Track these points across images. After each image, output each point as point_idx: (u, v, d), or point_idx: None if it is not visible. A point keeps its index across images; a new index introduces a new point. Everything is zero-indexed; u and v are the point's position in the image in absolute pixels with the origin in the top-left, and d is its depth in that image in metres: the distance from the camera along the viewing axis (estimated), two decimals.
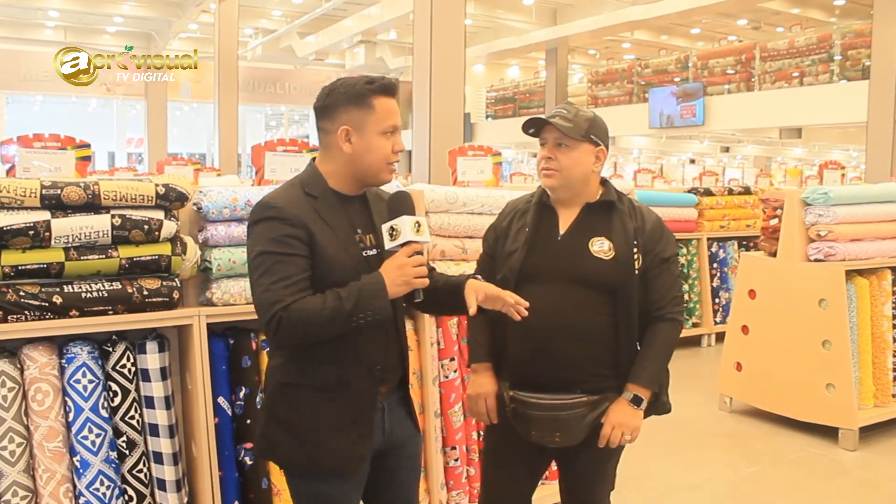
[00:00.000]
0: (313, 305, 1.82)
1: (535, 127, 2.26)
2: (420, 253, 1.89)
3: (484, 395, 2.31)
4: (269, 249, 1.85)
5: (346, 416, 1.95)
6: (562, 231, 2.26)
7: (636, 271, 2.20)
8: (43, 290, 2.41)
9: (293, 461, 1.98)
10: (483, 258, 2.40)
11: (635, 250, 2.21)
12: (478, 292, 1.99)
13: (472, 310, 1.96)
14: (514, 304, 1.99)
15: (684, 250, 7.11)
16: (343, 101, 1.93)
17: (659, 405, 2.28)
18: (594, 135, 2.23)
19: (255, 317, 2.69)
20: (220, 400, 2.72)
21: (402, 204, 1.93)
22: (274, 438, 1.97)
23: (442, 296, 2.05)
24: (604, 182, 2.33)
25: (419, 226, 1.90)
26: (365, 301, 1.82)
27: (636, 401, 2.20)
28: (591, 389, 2.20)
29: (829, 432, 4.54)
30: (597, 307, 2.19)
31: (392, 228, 1.89)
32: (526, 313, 2.00)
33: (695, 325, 7.17)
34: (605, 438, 2.19)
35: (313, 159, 2.05)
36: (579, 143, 2.21)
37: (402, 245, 1.88)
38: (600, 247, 2.21)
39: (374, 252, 2.00)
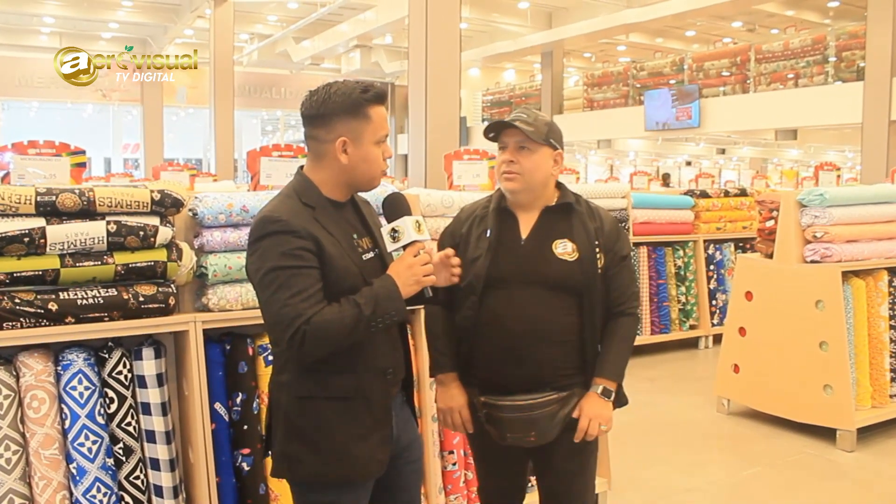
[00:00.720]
0: (333, 316, 1.82)
1: (496, 130, 2.28)
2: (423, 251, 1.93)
3: (457, 407, 2.32)
4: (281, 264, 1.83)
5: (366, 423, 1.95)
6: (524, 235, 2.28)
7: (599, 271, 2.25)
8: (38, 297, 2.41)
9: (317, 476, 1.95)
10: None
11: (597, 250, 2.26)
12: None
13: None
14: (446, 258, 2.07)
15: (681, 252, 7.12)
16: (340, 110, 1.92)
17: (619, 397, 2.32)
18: (553, 139, 2.27)
19: (251, 322, 2.73)
20: (217, 406, 2.71)
21: (399, 205, 1.97)
22: (296, 456, 1.95)
23: None
24: (559, 185, 2.36)
25: (419, 224, 1.93)
26: (383, 305, 1.85)
27: (605, 393, 2.25)
28: (560, 387, 2.23)
29: (826, 433, 4.54)
30: (563, 308, 2.23)
31: (394, 230, 1.92)
32: (458, 270, 2.08)
33: (692, 328, 7.17)
34: (582, 431, 2.22)
35: (301, 167, 2.04)
36: (540, 147, 2.24)
37: (406, 245, 1.91)
38: (564, 249, 2.24)
39: (371, 255, 2.02)
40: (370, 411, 1.96)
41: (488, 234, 2.27)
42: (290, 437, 1.95)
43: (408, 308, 1.96)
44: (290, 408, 1.95)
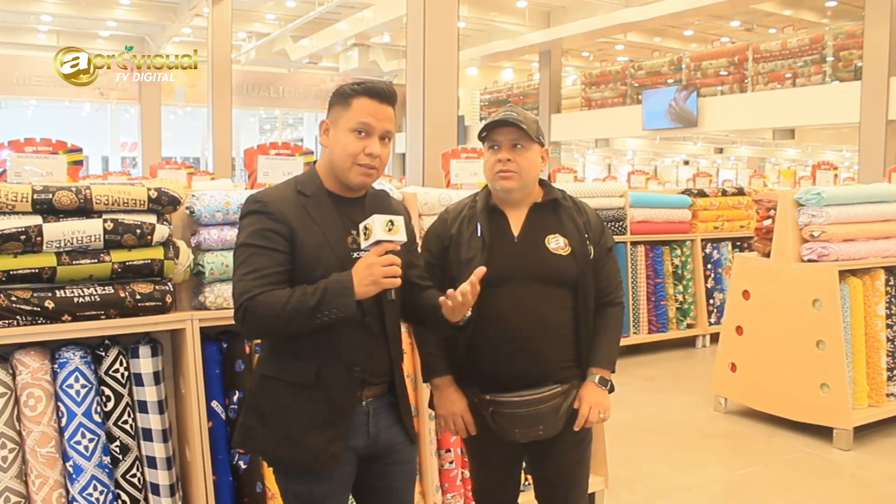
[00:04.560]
0: (278, 299, 1.85)
1: (494, 128, 2.27)
2: (395, 252, 1.89)
3: (459, 412, 2.31)
4: (248, 241, 1.90)
5: (322, 415, 1.95)
6: (515, 232, 2.30)
7: (590, 263, 2.29)
8: (35, 294, 2.40)
9: (267, 452, 2.04)
10: (426, 266, 2.30)
11: (588, 243, 2.29)
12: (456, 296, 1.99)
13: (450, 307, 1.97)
14: (472, 282, 1.97)
15: (678, 251, 7.12)
16: (335, 99, 2.02)
17: (610, 385, 2.36)
18: (541, 136, 2.30)
19: None
20: (214, 404, 2.70)
21: (376, 203, 2.01)
22: (251, 428, 2.01)
23: (427, 315, 2.10)
24: (542, 182, 2.38)
25: (392, 224, 1.88)
26: (330, 298, 1.83)
27: (602, 382, 2.30)
28: (560, 379, 2.26)
29: (823, 432, 4.54)
30: (559, 302, 2.26)
31: (365, 228, 1.89)
32: (480, 274, 1.98)
33: (689, 326, 7.18)
34: (583, 418, 2.26)
35: (314, 162, 2.11)
36: (532, 144, 2.27)
37: (374, 244, 1.88)
38: (556, 244, 2.27)
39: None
40: (329, 404, 1.96)
41: (480, 234, 2.28)
42: (250, 411, 2.02)
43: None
44: (254, 384, 2.04)
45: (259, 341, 2.76)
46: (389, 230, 1.87)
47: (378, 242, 1.87)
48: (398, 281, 1.89)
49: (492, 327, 2.22)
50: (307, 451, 1.95)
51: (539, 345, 2.23)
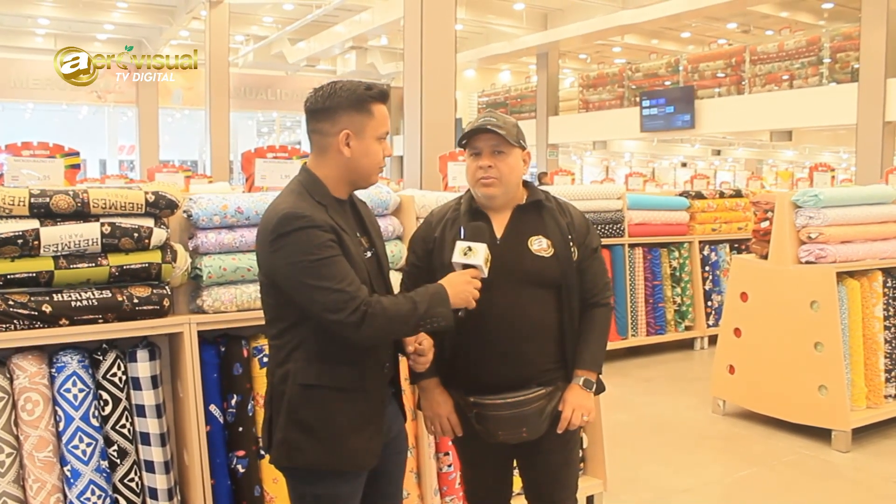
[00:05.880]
0: (391, 303, 1.90)
1: (473, 136, 2.28)
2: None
3: (445, 414, 2.33)
4: (320, 255, 1.87)
5: (363, 415, 2.00)
6: (498, 235, 2.30)
7: (574, 264, 2.29)
8: (32, 299, 2.40)
9: (317, 463, 1.99)
10: (412, 269, 2.38)
11: (571, 244, 2.30)
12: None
13: (410, 347, 2.11)
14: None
15: (676, 253, 7.13)
16: (345, 104, 1.98)
17: (598, 386, 2.36)
18: (521, 139, 2.31)
19: (246, 323, 2.73)
20: (212, 408, 2.70)
21: (483, 234, 2.11)
22: (297, 444, 1.98)
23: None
24: (526, 183, 2.39)
25: (489, 259, 2.06)
26: (434, 307, 1.93)
27: (587, 384, 2.30)
28: (544, 382, 2.27)
29: (822, 434, 4.54)
30: (543, 303, 2.27)
31: (469, 248, 2.04)
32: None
33: (687, 328, 7.18)
34: (566, 421, 2.26)
35: (305, 164, 2.07)
36: (513, 149, 2.27)
37: (468, 266, 2.04)
38: (539, 245, 2.28)
39: (370, 254, 2.07)
40: (367, 402, 2.01)
41: (462, 237, 2.28)
42: (291, 425, 1.98)
43: None
44: (293, 396, 1.97)
45: (258, 344, 2.77)
46: (487, 263, 2.06)
47: (474, 266, 2.04)
48: (475, 304, 2.03)
49: (475, 330, 2.23)
50: (354, 453, 1.99)
51: (522, 347, 2.25)
